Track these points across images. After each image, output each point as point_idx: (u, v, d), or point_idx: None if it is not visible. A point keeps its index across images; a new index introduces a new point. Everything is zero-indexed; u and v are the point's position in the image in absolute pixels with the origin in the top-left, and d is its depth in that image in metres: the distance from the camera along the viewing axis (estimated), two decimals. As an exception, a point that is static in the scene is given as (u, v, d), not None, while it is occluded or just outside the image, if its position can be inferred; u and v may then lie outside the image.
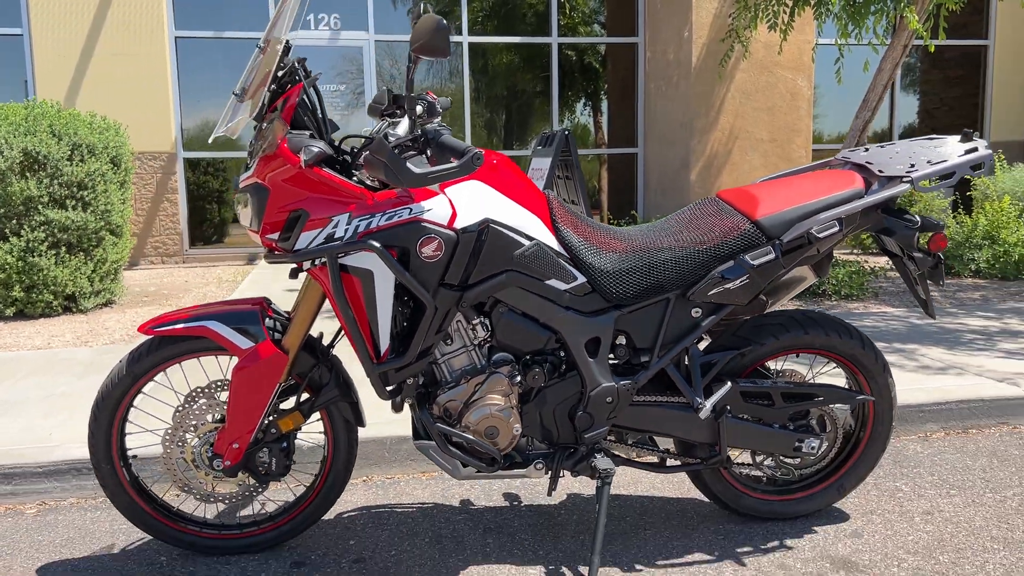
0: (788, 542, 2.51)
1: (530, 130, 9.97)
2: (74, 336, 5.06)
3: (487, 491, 2.93)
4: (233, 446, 2.28)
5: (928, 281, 2.46)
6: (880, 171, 2.34)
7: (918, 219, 2.30)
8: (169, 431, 2.35)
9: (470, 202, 2.14)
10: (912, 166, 2.32)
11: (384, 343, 2.16)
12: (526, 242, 2.19)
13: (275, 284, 6.87)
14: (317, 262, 2.11)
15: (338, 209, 2.07)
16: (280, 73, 2.09)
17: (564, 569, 2.37)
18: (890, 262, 7.85)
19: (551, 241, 2.24)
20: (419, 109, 2.32)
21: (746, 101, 8.65)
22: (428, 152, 2.00)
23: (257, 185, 2.10)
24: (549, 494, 2.45)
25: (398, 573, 2.36)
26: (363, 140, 2.18)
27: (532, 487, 2.95)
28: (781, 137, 8.77)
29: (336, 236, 2.07)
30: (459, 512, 2.76)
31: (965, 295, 6.09)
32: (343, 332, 2.29)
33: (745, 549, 2.48)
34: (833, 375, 2.78)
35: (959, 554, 2.42)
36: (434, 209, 2.10)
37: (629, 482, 2.98)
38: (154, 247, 8.96)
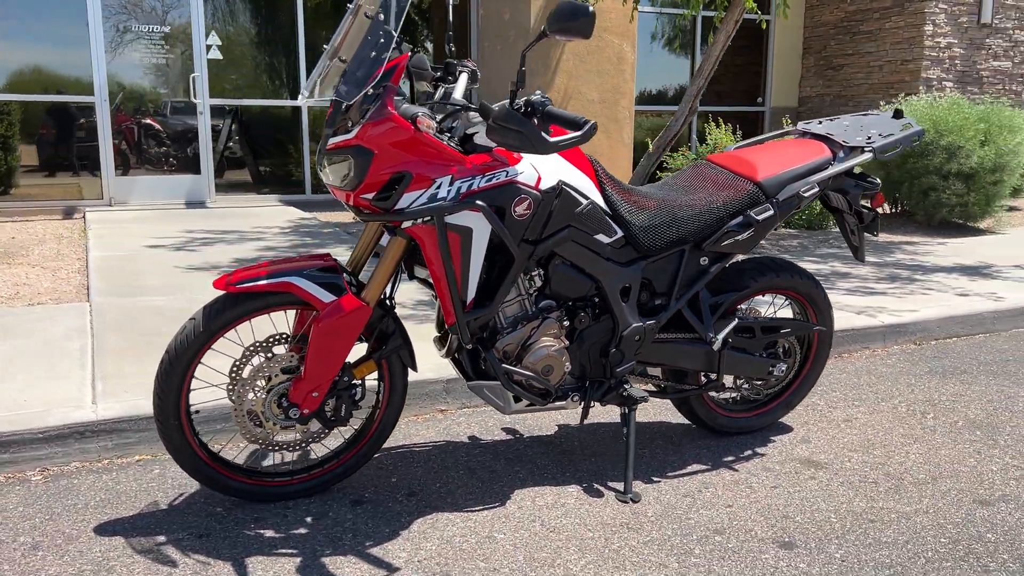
0: (759, 450, 3.03)
1: (365, 82, 9.91)
2: (-62, 299, 4.61)
3: (485, 427, 3.20)
4: (312, 395, 2.40)
5: (864, 231, 3.03)
6: (844, 142, 2.86)
7: (878, 181, 2.85)
8: (236, 385, 2.42)
9: (547, 166, 2.39)
10: (869, 138, 2.85)
11: (471, 294, 2.37)
12: (584, 201, 2.48)
13: (128, 239, 6.52)
14: (420, 220, 2.27)
15: (441, 172, 2.24)
16: (381, 41, 2.20)
17: (596, 485, 2.73)
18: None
19: (600, 200, 2.54)
20: (466, 76, 2.52)
21: (579, 64, 9.19)
22: (535, 121, 2.21)
23: (360, 147, 2.21)
24: (581, 422, 2.79)
25: (454, 502, 2.60)
26: (452, 107, 2.35)
27: (523, 421, 3.26)
28: (609, 98, 9.43)
29: (439, 196, 2.24)
30: (474, 447, 3.02)
31: (785, 243, 7.05)
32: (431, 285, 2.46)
33: (729, 459, 2.96)
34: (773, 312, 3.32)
35: (887, 449, 3.05)
36: (525, 172, 2.33)
37: (599, 413, 3.37)
38: (-48, 200, 8.04)
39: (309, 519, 2.48)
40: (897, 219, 8.12)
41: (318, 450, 2.81)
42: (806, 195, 2.75)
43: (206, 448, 2.47)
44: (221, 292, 2.37)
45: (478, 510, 2.55)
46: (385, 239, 2.52)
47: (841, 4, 11.45)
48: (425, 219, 2.27)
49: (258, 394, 2.43)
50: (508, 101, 2.21)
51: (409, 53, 2.24)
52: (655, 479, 2.79)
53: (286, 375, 2.44)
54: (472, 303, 2.39)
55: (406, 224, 2.28)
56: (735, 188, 2.73)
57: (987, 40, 10.85)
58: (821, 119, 3.05)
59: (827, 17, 11.67)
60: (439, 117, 2.35)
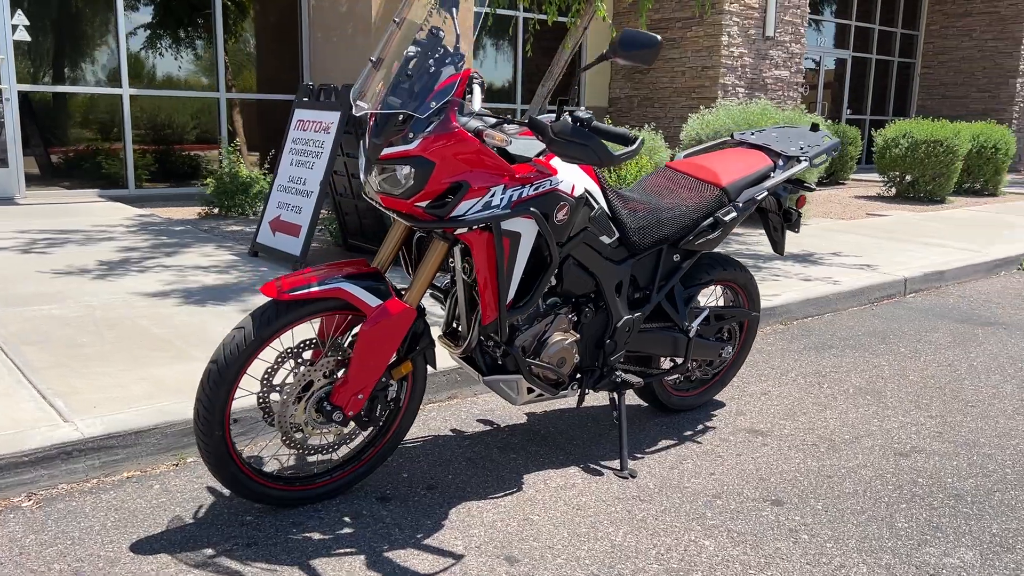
0: (708, 424, 3.41)
1: (204, 70, 9.42)
2: None
3: (460, 420, 3.34)
4: (357, 397, 2.45)
5: (786, 228, 3.49)
6: (781, 151, 3.28)
7: (813, 186, 3.30)
8: (273, 391, 2.43)
9: (575, 175, 2.59)
10: (801, 148, 3.30)
11: (511, 294, 2.52)
12: (596, 206, 2.70)
13: (-42, 242, 5.88)
14: (474, 226, 2.38)
15: (494, 181, 2.37)
16: (438, 55, 2.29)
17: (592, 465, 2.97)
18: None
19: (604, 205, 2.77)
20: (479, 88, 2.67)
21: (418, 59, 9.30)
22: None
23: (421, 158, 2.29)
24: (578, 407, 3.02)
25: (474, 492, 2.74)
26: (480, 118, 2.47)
27: (492, 412, 3.44)
28: (447, 95, 9.61)
29: (493, 204, 2.37)
30: (462, 439, 3.16)
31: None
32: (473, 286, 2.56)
33: (688, 433, 3.31)
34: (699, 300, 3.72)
35: (808, 416, 3.54)
36: (564, 181, 2.52)
37: (555, 402, 3.61)
38: None
39: (347, 519, 2.53)
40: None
41: (340, 451, 2.83)
42: (759, 198, 3.15)
43: (240, 456, 2.45)
44: (268, 299, 2.37)
45: (500, 497, 2.71)
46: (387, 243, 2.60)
47: (647, 12, 12.34)
48: (478, 225, 2.39)
49: (297, 399, 2.45)
50: (555, 116, 2.39)
51: (471, 69, 2.34)
52: (637, 456, 3.08)
53: (326, 379, 2.47)
54: (511, 303, 2.55)
55: (460, 230, 2.39)
56: (704, 193, 3.07)
57: (770, 51, 12.19)
58: (752, 131, 3.47)
59: (635, 24, 12.54)
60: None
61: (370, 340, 2.40)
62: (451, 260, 2.64)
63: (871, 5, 16.92)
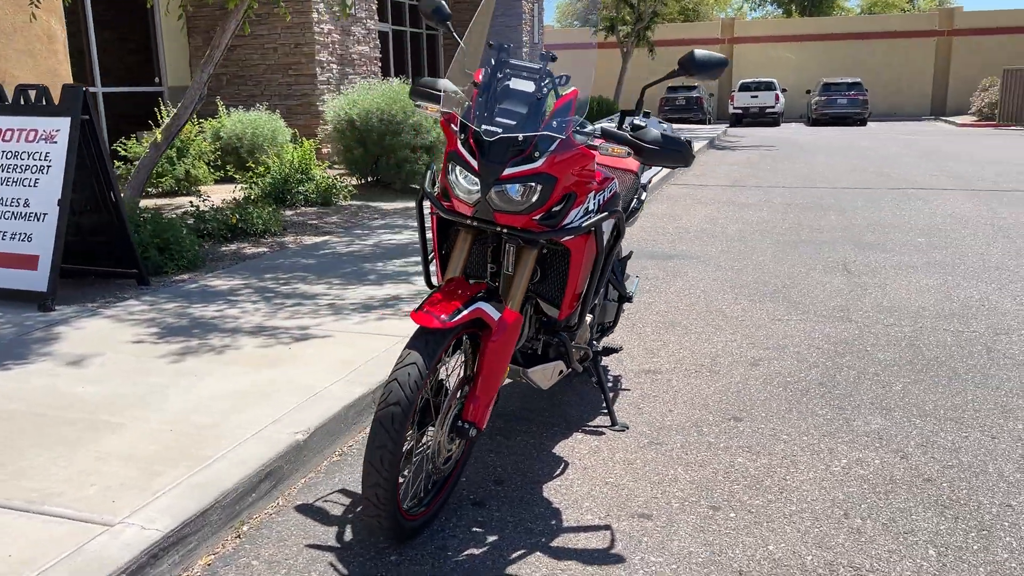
0: (614, 373, 3.96)
1: None
2: None
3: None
4: (487, 408, 2.50)
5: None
6: (648, 141, 3.88)
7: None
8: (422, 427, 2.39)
9: (609, 177, 2.89)
10: (660, 134, 3.93)
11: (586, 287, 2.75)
12: (602, 201, 3.04)
13: None
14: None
15: (590, 188, 2.57)
16: (542, 77, 2.41)
17: (587, 428, 3.34)
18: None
19: (597, 197, 3.11)
20: None
21: (8, 43, 7.87)
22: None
23: (546, 175, 2.39)
24: (569, 379, 3.33)
25: (534, 476, 2.94)
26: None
27: (447, 406, 3.55)
28: (47, 81, 8.27)
29: (590, 210, 2.57)
30: (459, 436, 3.26)
31: (319, 221, 7.61)
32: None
33: (610, 384, 3.83)
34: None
35: (665, 350, 4.29)
36: (617, 183, 2.79)
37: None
38: None
39: (477, 529, 2.59)
40: (376, 188, 9.33)
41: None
42: (653, 180, 3.74)
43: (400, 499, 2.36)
44: (419, 328, 2.31)
45: (560, 475, 2.96)
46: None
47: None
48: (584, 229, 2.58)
49: (442, 425, 2.43)
50: (617, 124, 2.67)
51: (577, 90, 2.47)
52: (602, 411, 3.52)
53: (458, 400, 2.48)
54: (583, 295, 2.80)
55: (567, 237, 2.56)
56: (628, 179, 3.56)
57: (353, 28, 12.62)
58: (608, 119, 4.01)
59: (209, -2, 11.92)
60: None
61: (497, 351, 2.48)
62: (492, 265, 2.78)
63: (402, -19, 18.20)
